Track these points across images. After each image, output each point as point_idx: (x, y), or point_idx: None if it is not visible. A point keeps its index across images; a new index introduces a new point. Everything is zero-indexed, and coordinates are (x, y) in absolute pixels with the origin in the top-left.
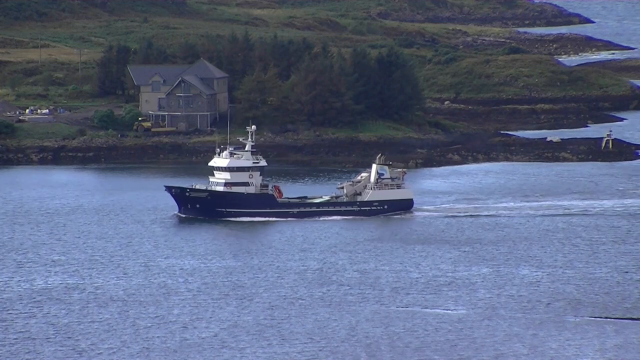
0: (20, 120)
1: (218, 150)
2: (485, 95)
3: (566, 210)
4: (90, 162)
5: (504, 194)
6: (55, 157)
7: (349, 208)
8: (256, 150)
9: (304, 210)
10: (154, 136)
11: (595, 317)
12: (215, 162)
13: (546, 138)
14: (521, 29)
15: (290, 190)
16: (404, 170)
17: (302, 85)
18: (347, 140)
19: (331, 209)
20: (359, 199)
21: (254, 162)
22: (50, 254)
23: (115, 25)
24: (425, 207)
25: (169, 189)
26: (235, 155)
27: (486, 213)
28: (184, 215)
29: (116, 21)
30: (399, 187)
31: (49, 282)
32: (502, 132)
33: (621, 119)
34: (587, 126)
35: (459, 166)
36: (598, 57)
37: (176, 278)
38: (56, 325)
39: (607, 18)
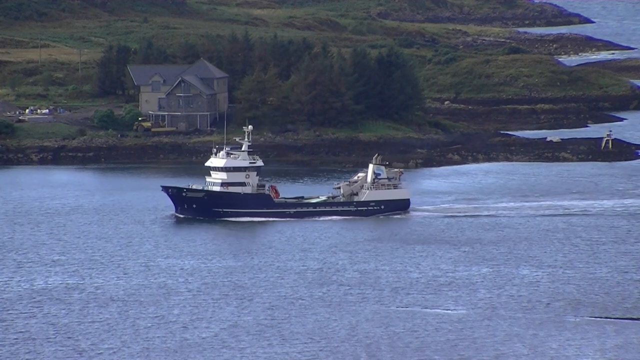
0: (20, 120)
1: (215, 150)
2: (485, 95)
3: (566, 210)
4: (90, 162)
5: (503, 194)
6: (55, 157)
7: (346, 208)
8: (253, 151)
9: (300, 210)
10: (154, 136)
11: (595, 317)
12: (212, 162)
13: (546, 138)
14: (521, 29)
15: (290, 190)
16: (400, 170)
17: (302, 85)
18: (347, 140)
19: (328, 209)
20: (356, 199)
21: (250, 162)
22: (50, 254)
23: (115, 25)
24: (425, 207)
25: (165, 189)
26: (231, 156)
27: (486, 213)
28: (181, 216)
29: (116, 21)
30: (395, 187)
31: (49, 282)
32: (502, 132)
33: (621, 119)
34: (587, 126)
35: (458, 166)
36: (598, 57)
37: (176, 278)
38: (56, 325)
39: (607, 18)
